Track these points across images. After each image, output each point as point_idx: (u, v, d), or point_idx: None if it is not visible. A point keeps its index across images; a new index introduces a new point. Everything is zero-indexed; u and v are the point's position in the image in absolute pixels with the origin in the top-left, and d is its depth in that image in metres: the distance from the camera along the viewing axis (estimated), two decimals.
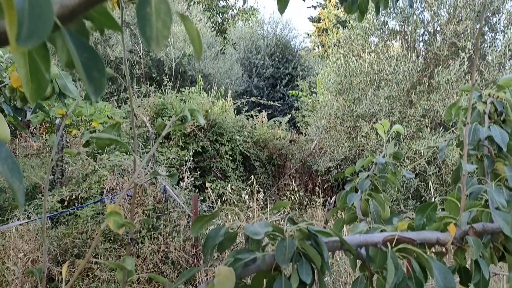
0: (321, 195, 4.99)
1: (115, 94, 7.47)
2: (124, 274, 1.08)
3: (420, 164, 4.51)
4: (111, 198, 3.84)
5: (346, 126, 5.21)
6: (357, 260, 1.20)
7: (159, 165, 4.64)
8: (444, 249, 1.00)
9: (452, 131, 4.16)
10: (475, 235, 0.97)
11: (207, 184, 4.36)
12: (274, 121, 6.89)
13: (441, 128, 4.64)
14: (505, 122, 1.20)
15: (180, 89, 6.02)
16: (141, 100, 5.59)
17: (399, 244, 1.03)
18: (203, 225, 1.17)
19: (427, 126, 4.62)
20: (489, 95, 1.27)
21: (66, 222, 4.05)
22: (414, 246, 1.03)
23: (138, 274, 3.44)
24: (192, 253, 3.67)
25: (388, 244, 0.99)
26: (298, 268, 0.95)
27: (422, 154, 4.39)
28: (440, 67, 4.51)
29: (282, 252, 0.94)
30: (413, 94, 4.69)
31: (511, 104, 1.22)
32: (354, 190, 1.63)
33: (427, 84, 4.62)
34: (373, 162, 1.76)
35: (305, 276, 0.92)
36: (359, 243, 1.03)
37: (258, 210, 4.19)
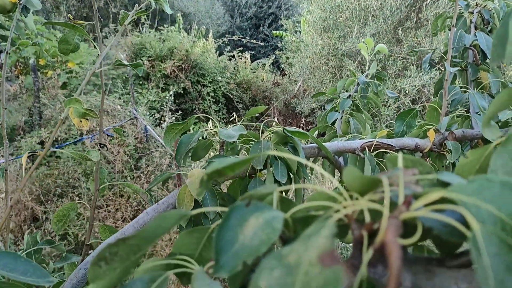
0: None
1: (91, 33, 7.08)
2: (96, 183, 1.05)
3: (404, 103, 4.51)
4: (91, 138, 3.76)
5: (331, 66, 5.11)
6: (335, 170, 1.18)
7: (139, 106, 4.52)
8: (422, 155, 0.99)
9: (439, 68, 4.12)
10: (454, 140, 0.95)
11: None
12: (258, 64, 6.71)
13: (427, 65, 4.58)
14: (491, 31, 1.15)
15: (159, 28, 5.73)
16: (118, 40, 5.31)
17: (377, 150, 1.01)
18: (176, 135, 1.12)
19: (413, 64, 4.56)
20: (476, 4, 1.21)
21: (47, 163, 3.99)
22: (392, 152, 1.01)
23: (122, 213, 3.47)
24: None
25: (367, 149, 0.97)
26: (274, 169, 0.93)
27: (407, 92, 4.38)
28: (428, 0, 4.36)
29: (257, 154, 0.90)
30: (400, 30, 4.57)
31: (498, 13, 1.16)
32: (335, 110, 1.59)
33: (415, 19, 4.49)
34: (356, 82, 1.71)
35: (280, 177, 0.90)
36: (337, 149, 1.00)
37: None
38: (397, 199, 0.35)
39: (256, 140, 0.99)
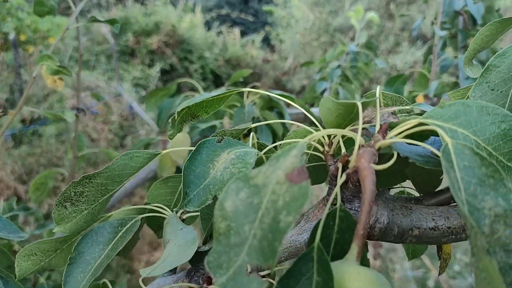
0: None
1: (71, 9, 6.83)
2: (74, 149, 1.02)
3: None
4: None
5: (322, 42, 5.06)
6: None
7: (124, 82, 4.43)
8: None
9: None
10: None
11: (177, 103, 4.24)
12: (247, 40, 6.60)
13: (419, 41, 4.57)
14: None
15: (144, 2, 5.57)
16: (102, 14, 5.15)
17: None
18: (157, 100, 1.10)
19: (405, 40, 4.55)
20: None
21: (29, 142, 3.91)
22: None
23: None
24: None
25: None
26: (258, 134, 0.91)
27: (398, 69, 4.37)
28: None
29: (241, 118, 0.88)
30: (392, 5, 4.53)
31: None
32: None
33: None
34: (345, 52, 1.69)
35: (264, 140, 0.89)
36: None
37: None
38: (375, 130, 0.33)
39: (240, 105, 0.97)
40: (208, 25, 6.16)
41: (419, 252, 0.49)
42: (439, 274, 0.43)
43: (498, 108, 0.30)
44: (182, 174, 0.34)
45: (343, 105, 0.32)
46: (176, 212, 0.44)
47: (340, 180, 0.31)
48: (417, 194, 0.42)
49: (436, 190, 0.40)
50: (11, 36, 4.72)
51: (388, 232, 0.35)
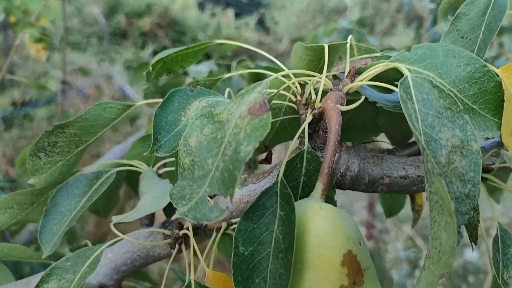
0: None
1: None
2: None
3: None
4: (65, 97, 3.64)
5: (317, 23, 5.01)
6: None
7: (116, 64, 4.38)
8: None
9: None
10: None
11: None
12: (241, 23, 6.52)
13: (414, 23, 4.54)
14: None
15: None
16: None
17: None
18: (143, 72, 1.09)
19: (400, 21, 4.52)
20: None
21: (21, 125, 3.88)
22: None
23: None
24: None
25: None
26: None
27: (395, 50, 4.35)
28: None
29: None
30: None
31: None
32: None
33: None
34: (337, 29, 1.67)
35: None
36: None
37: None
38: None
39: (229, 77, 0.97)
40: (201, 6, 6.08)
41: (395, 210, 0.50)
42: (413, 226, 0.44)
43: (464, 51, 0.31)
44: (152, 120, 0.34)
45: (312, 50, 0.32)
46: (153, 167, 0.44)
47: (308, 119, 0.31)
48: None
49: (409, 141, 0.40)
50: (0, 17, 4.63)
51: (359, 181, 0.36)
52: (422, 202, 0.42)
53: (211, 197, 0.37)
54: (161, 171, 0.43)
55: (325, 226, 0.26)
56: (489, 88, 0.31)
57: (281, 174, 0.27)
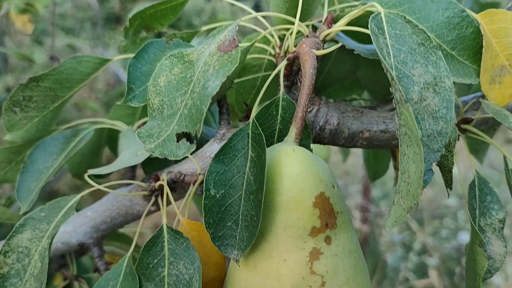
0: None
1: None
2: None
3: None
4: None
5: None
6: None
7: (110, 49, 4.33)
8: None
9: None
10: None
11: None
12: (237, 8, 6.45)
13: None
14: None
15: None
16: None
17: None
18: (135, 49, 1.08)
19: None
20: None
21: None
22: None
23: None
24: None
25: None
26: None
27: None
28: None
29: None
30: None
31: None
32: None
33: None
34: None
35: None
36: None
37: None
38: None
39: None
40: None
41: (379, 173, 0.50)
42: (394, 185, 0.44)
43: None
44: (127, 71, 0.33)
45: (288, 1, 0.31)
46: (132, 127, 0.43)
47: (282, 63, 0.30)
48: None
49: (391, 97, 0.40)
50: None
51: (338, 135, 0.36)
52: None
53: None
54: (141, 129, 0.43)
55: (296, 167, 0.26)
56: (468, 34, 0.30)
57: (252, 116, 0.27)
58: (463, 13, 0.30)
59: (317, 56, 0.30)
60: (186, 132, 0.24)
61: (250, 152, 0.26)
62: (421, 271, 2.37)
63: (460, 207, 2.77)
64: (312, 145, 0.31)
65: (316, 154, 0.82)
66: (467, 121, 0.33)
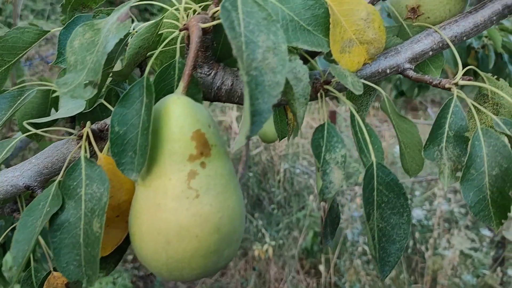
0: None
1: None
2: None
3: None
4: (29, 64, 3.57)
5: None
6: None
7: None
8: None
9: None
10: None
11: None
12: None
13: None
14: None
15: None
16: None
17: None
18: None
19: None
20: None
21: None
22: None
23: None
24: None
25: None
26: None
27: None
28: None
29: None
30: None
31: None
32: None
33: None
34: None
35: None
36: None
37: None
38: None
39: None
40: None
41: (285, 133, 0.59)
42: (288, 139, 0.54)
43: None
44: (58, 39, 0.41)
45: None
46: None
47: (175, 33, 0.39)
48: None
49: None
50: None
51: (232, 94, 0.45)
52: (291, 116, 0.52)
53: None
54: None
55: (179, 110, 0.35)
56: (320, 13, 0.39)
57: (146, 72, 0.36)
58: None
59: (206, 29, 0.39)
60: (92, 81, 0.32)
61: (144, 98, 0.35)
62: None
63: (416, 187, 2.96)
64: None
65: (265, 133, 0.94)
66: (327, 82, 0.43)
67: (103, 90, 0.48)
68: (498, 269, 2.32)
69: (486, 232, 2.45)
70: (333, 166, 0.39)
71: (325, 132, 0.40)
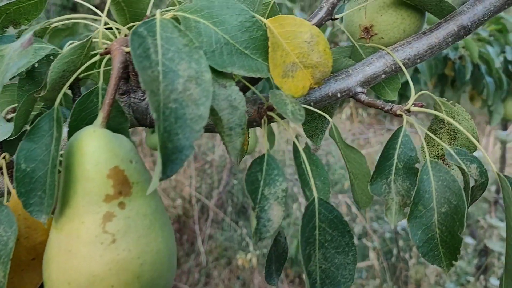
0: None
1: None
2: None
3: None
4: None
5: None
6: None
7: None
8: None
9: None
10: None
11: None
12: None
13: None
14: None
15: None
16: None
17: None
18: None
19: None
20: None
21: None
22: None
23: None
24: None
25: None
26: None
27: None
28: None
29: None
30: None
31: None
32: None
33: None
34: None
35: None
36: None
37: None
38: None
39: None
40: None
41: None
42: (237, 164, 0.50)
43: (236, 3, 0.36)
44: None
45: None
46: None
47: (96, 57, 0.36)
48: None
49: None
50: None
51: None
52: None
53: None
54: (10, 116, 0.47)
55: (94, 144, 0.31)
56: (258, 36, 0.36)
57: (57, 103, 0.32)
58: (253, 19, 0.36)
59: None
60: None
61: (55, 132, 0.31)
62: (362, 254, 2.52)
63: None
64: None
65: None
66: (270, 109, 0.40)
67: (32, 114, 0.44)
68: (481, 277, 2.32)
69: (469, 240, 2.44)
70: (272, 202, 0.36)
71: (265, 164, 0.37)
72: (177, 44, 0.30)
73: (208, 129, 0.42)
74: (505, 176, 0.35)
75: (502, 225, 2.25)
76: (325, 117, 0.50)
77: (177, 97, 0.29)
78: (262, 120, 0.40)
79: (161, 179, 0.28)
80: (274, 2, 0.48)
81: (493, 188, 2.45)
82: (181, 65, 0.30)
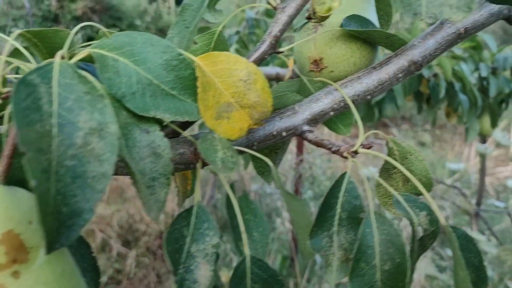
0: None
1: None
2: None
3: None
4: None
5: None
6: None
7: None
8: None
9: None
10: None
11: None
12: None
13: None
14: None
15: None
16: None
17: None
18: None
19: None
20: None
21: None
22: None
23: None
24: None
25: None
26: None
27: None
28: None
29: None
30: None
31: None
32: None
33: None
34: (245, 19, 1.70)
35: None
36: None
37: None
38: None
39: None
40: None
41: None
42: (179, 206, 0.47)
43: (161, 40, 0.32)
44: None
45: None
46: None
47: None
48: None
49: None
50: None
51: None
52: (179, 183, 0.45)
53: None
54: None
55: None
56: (186, 75, 0.33)
57: None
58: (180, 56, 0.33)
59: None
60: None
61: None
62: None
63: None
64: None
65: None
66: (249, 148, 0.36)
67: None
68: None
69: (449, 252, 2.43)
70: (200, 261, 0.32)
71: (193, 218, 0.33)
72: (77, 91, 0.26)
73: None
74: (452, 227, 0.31)
75: (483, 238, 2.25)
76: (276, 152, 0.46)
77: (76, 153, 0.26)
78: (198, 164, 0.37)
79: (54, 249, 0.24)
80: (220, 32, 0.45)
81: (473, 200, 2.46)
82: (81, 116, 0.26)
